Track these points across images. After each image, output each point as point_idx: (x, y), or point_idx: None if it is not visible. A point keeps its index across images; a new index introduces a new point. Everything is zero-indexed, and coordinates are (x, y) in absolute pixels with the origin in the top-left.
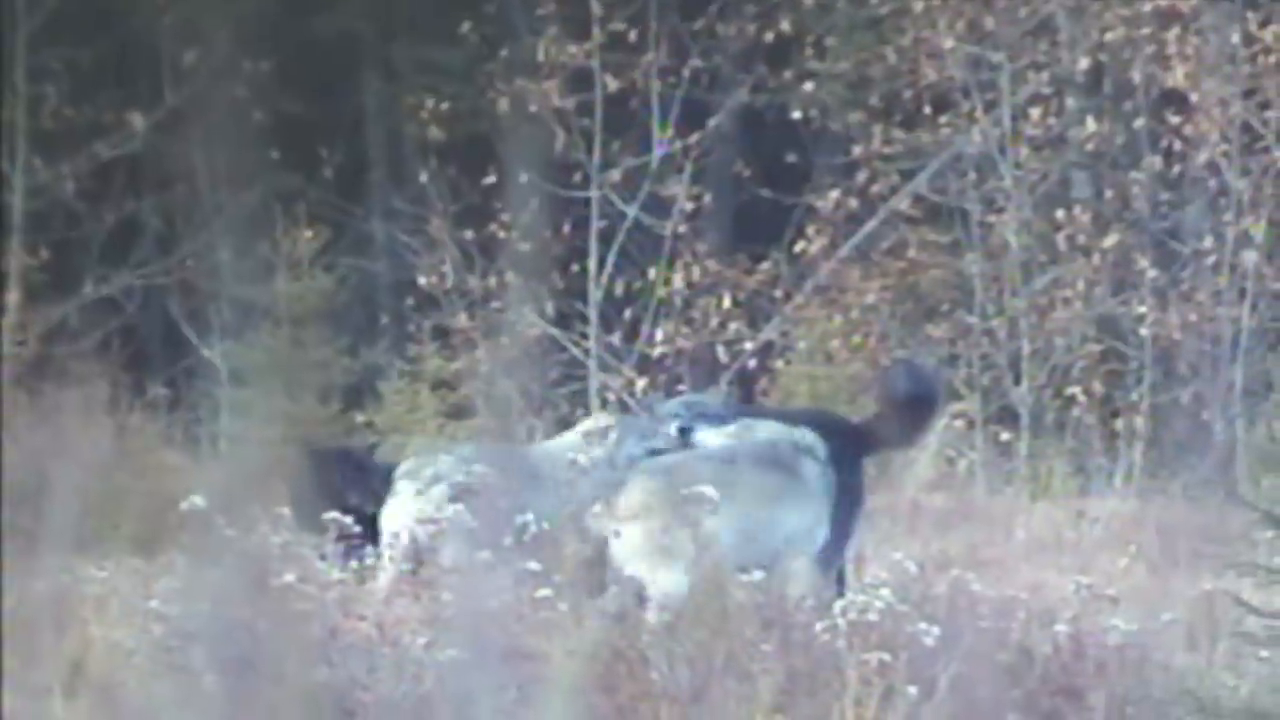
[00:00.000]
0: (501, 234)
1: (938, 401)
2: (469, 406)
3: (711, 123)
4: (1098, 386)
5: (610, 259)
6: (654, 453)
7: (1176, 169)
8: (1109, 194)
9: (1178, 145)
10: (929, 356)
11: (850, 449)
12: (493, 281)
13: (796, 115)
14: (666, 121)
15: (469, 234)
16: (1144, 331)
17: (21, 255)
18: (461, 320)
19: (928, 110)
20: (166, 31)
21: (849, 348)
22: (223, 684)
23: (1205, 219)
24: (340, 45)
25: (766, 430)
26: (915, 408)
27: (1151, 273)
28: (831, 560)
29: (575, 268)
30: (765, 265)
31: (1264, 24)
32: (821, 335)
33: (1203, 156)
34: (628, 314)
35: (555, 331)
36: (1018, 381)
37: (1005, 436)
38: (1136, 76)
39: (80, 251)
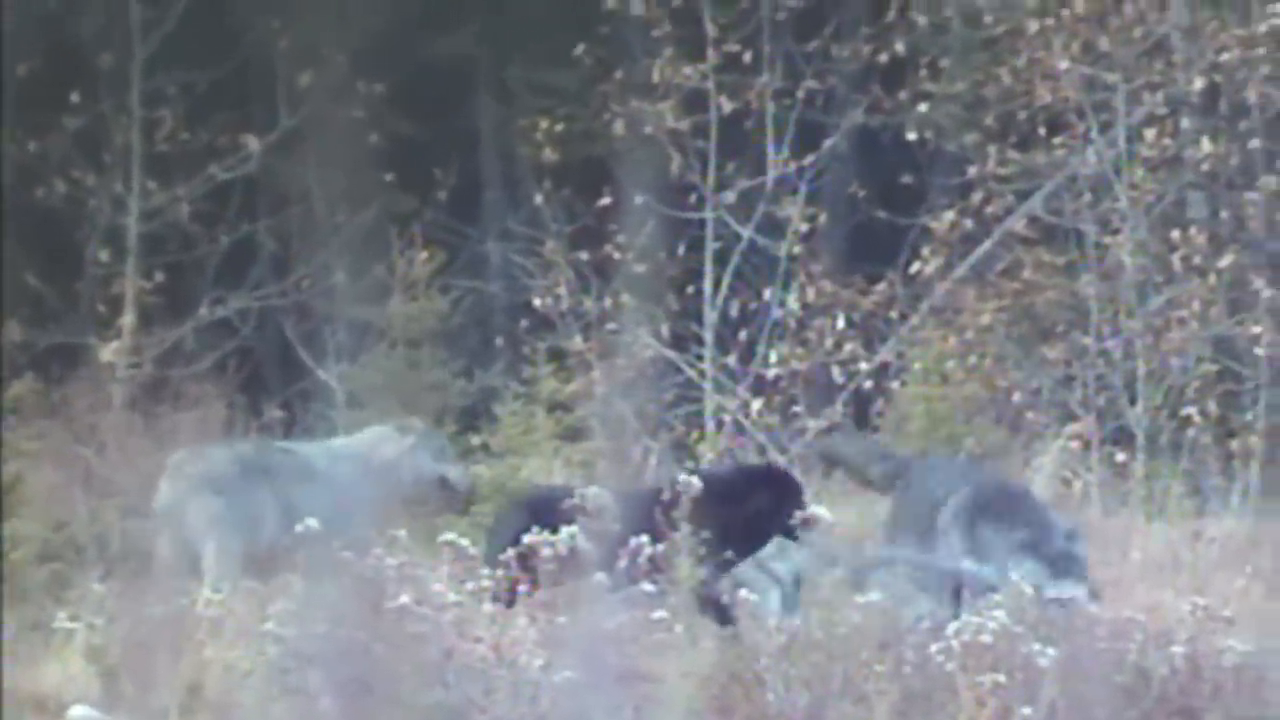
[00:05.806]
0: (616, 255)
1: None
2: (585, 429)
3: (826, 144)
4: (1213, 407)
5: (725, 280)
6: None
7: None
8: (1224, 214)
9: None
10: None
11: None
12: (608, 303)
13: (911, 136)
14: (782, 143)
15: (584, 255)
16: (1260, 351)
17: (137, 278)
18: (577, 342)
19: (1043, 131)
20: (281, 54)
21: (964, 369)
22: (338, 705)
23: None
24: (455, 67)
25: None
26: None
27: (1267, 293)
28: None
29: (690, 289)
30: (880, 286)
31: None
32: (937, 356)
33: None
34: (743, 335)
35: (670, 353)
36: (1133, 402)
37: (1121, 457)
38: (1252, 96)
39: (195, 274)
